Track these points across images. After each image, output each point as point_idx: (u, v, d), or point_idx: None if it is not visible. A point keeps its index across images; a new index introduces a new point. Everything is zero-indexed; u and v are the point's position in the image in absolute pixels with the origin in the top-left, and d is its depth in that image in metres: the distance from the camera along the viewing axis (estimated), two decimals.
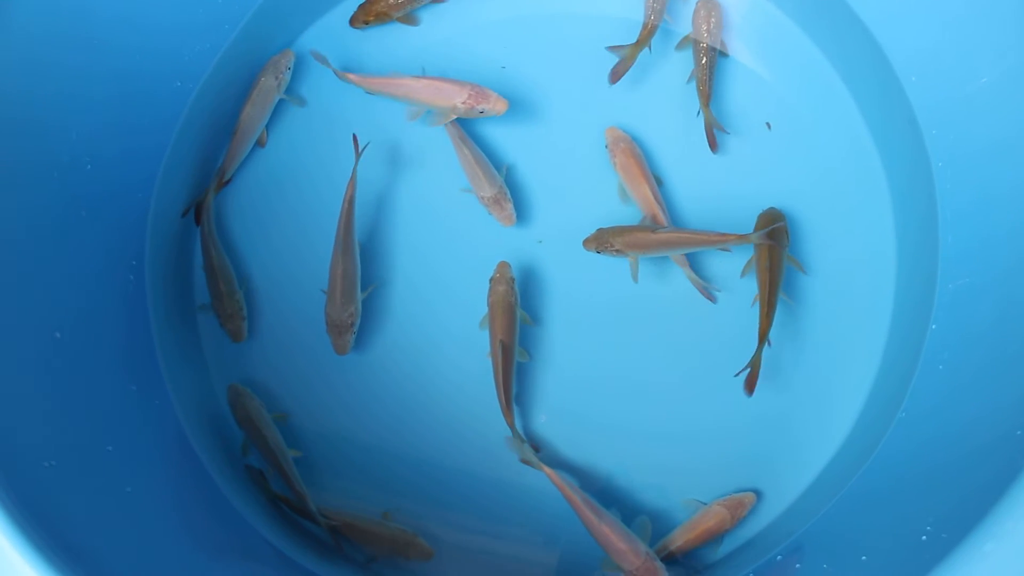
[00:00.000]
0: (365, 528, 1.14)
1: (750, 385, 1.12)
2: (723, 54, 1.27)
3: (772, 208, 1.21)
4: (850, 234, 1.23)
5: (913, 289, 1.19)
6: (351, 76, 1.24)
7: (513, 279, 1.18)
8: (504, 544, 1.17)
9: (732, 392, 1.18)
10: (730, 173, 1.24)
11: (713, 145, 1.24)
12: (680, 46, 1.27)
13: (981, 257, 1.11)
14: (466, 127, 1.25)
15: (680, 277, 1.20)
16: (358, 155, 1.19)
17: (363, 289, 1.19)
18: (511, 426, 1.13)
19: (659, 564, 1.07)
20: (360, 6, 1.29)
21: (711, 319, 1.21)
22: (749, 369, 1.12)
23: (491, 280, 1.18)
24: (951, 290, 1.14)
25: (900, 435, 1.11)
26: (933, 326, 1.14)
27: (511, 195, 1.21)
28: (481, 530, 1.17)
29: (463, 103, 1.20)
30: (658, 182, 1.23)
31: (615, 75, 1.24)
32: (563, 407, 1.20)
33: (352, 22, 1.29)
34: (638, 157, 1.22)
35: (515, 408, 1.18)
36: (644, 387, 1.20)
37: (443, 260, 1.24)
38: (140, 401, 1.13)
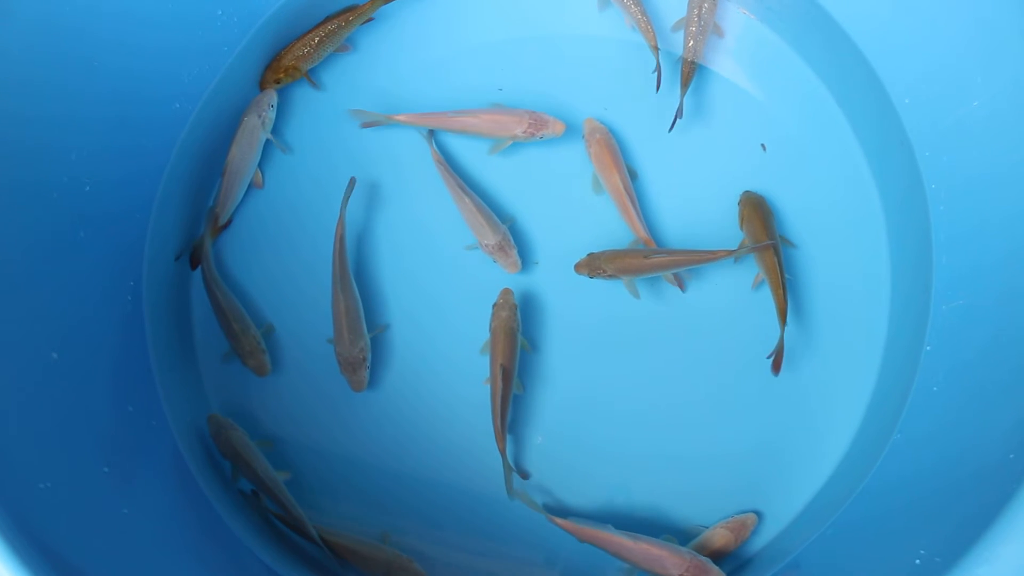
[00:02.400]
0: (359, 550, 1.14)
1: (776, 366, 1.15)
2: (716, 34, 1.28)
3: (749, 192, 1.23)
4: (844, 255, 1.23)
5: (908, 311, 1.19)
6: (400, 117, 1.24)
7: (516, 306, 1.17)
8: (502, 566, 1.17)
9: (726, 414, 1.19)
10: (724, 193, 1.25)
11: (673, 125, 1.25)
12: (675, 28, 1.29)
13: (975, 278, 1.11)
14: (456, 166, 1.25)
15: (678, 299, 1.20)
16: (347, 195, 1.19)
17: (371, 330, 1.19)
18: (502, 452, 1.12)
19: (706, 560, 1.08)
20: (267, 67, 1.27)
21: (709, 344, 1.21)
22: (774, 355, 1.14)
23: (494, 306, 1.18)
24: (945, 312, 1.14)
25: (895, 457, 1.11)
26: (928, 348, 1.14)
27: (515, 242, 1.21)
28: (479, 552, 1.17)
29: (523, 132, 1.21)
30: (632, 175, 1.24)
31: (658, 84, 1.26)
32: (559, 430, 1.20)
33: (263, 85, 1.27)
34: (612, 148, 1.23)
35: (511, 430, 1.18)
36: (640, 410, 1.20)
37: (441, 289, 1.24)
38: (136, 422, 1.13)
